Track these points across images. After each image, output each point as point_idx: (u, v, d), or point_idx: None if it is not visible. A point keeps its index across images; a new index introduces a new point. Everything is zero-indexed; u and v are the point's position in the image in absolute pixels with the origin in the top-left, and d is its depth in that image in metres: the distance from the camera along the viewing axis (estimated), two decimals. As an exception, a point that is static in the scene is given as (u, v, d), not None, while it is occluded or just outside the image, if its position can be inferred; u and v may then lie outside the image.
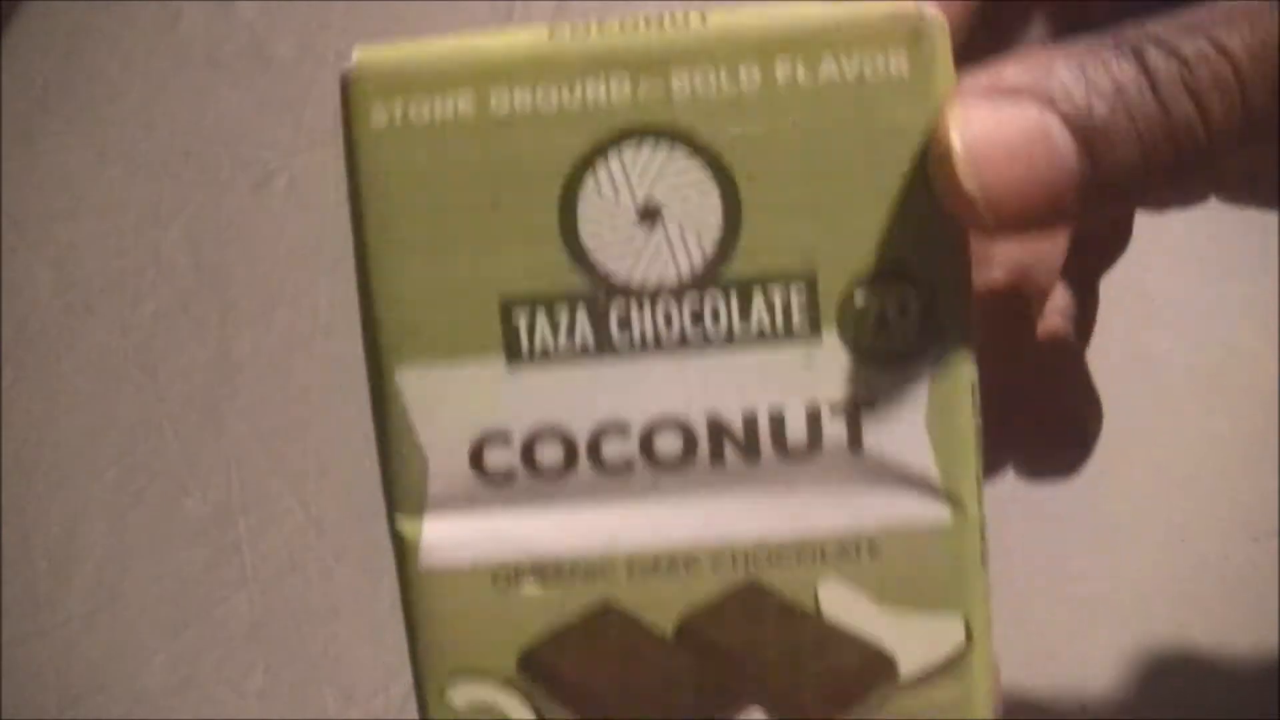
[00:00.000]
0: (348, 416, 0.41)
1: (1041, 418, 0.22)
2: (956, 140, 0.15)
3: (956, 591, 0.17)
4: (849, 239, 0.16)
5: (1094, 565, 0.36)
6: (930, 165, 0.16)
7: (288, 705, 0.38)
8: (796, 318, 0.17)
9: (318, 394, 0.41)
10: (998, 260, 0.21)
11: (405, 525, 0.17)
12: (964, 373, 0.17)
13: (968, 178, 0.15)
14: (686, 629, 0.17)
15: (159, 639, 0.39)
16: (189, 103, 0.46)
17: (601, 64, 0.16)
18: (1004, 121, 0.15)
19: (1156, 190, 0.16)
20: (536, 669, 0.17)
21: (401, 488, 0.17)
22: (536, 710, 0.17)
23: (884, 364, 0.17)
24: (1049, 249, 0.22)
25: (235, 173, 0.45)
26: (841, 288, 0.16)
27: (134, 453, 0.42)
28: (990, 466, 0.20)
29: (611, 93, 0.16)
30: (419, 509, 0.17)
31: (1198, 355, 0.38)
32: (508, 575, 0.17)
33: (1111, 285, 0.41)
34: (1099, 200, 0.16)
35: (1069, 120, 0.15)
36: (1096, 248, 0.24)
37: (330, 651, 0.38)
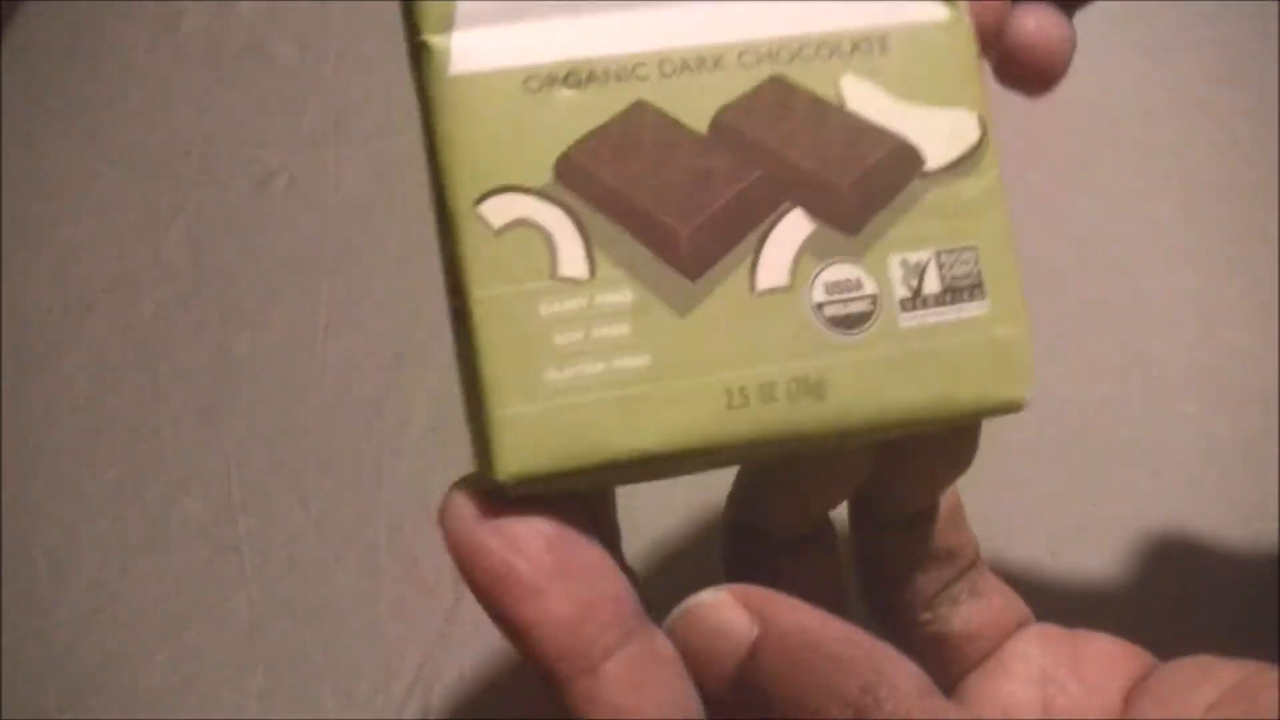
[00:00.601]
0: (348, 416, 0.41)
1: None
2: None
3: (965, 87, 0.18)
4: None
5: (1094, 565, 0.36)
6: None
7: (288, 705, 0.38)
8: None
9: (318, 394, 0.41)
10: None
11: (434, 39, 0.17)
12: None
13: None
14: (720, 124, 0.17)
15: (159, 639, 0.39)
16: (189, 103, 0.46)
17: None
18: None
19: None
20: (573, 175, 0.17)
21: (428, 7, 0.17)
22: (577, 220, 0.17)
23: None
24: None
25: (235, 173, 0.45)
26: None
27: (134, 453, 0.42)
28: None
29: None
30: (447, 23, 0.17)
31: (1198, 355, 0.38)
32: (540, 79, 0.17)
33: (1112, 285, 0.41)
34: None
35: None
36: None
37: (330, 651, 0.38)
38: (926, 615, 0.22)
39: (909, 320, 0.18)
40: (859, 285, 0.18)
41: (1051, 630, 0.22)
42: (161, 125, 0.46)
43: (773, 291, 0.17)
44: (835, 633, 0.17)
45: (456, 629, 0.38)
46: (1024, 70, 0.21)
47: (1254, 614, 0.34)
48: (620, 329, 0.17)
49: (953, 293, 0.18)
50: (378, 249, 0.43)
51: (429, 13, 0.17)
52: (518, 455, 0.16)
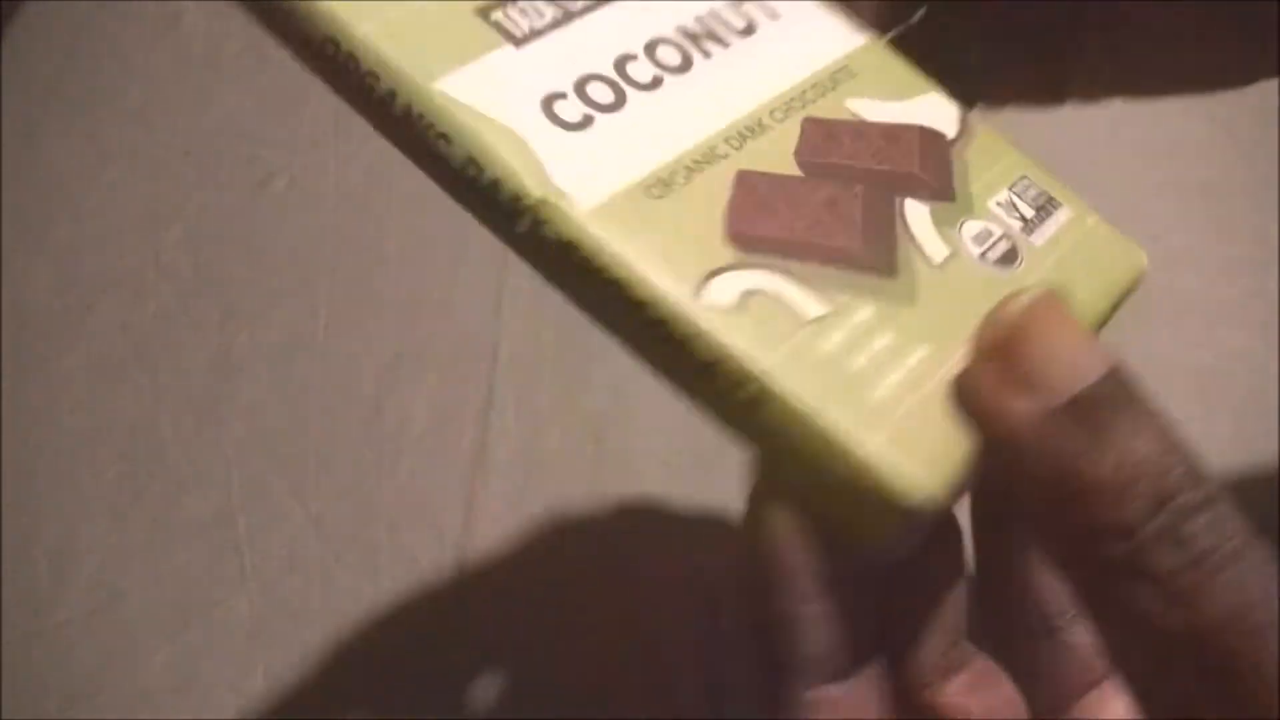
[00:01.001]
0: (348, 416, 0.41)
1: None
2: None
3: (919, 79, 0.22)
4: None
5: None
6: None
7: (288, 705, 0.38)
8: None
9: (318, 394, 0.41)
10: None
11: (546, 195, 0.17)
12: None
13: None
14: (803, 164, 0.20)
15: (159, 639, 0.39)
16: (189, 103, 0.46)
17: None
18: None
19: None
20: (749, 242, 0.18)
21: (517, 172, 0.17)
22: (786, 274, 0.18)
23: None
24: None
25: (235, 173, 0.45)
26: None
27: (134, 453, 0.42)
28: None
29: None
30: (543, 177, 0.17)
31: (1198, 355, 0.38)
32: (654, 185, 0.18)
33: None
34: None
35: None
36: None
37: (330, 651, 0.38)
38: (1058, 623, 0.20)
39: (1038, 238, 0.21)
40: (990, 232, 0.20)
41: None
42: (161, 125, 0.46)
43: (947, 260, 0.19)
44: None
45: (456, 628, 0.38)
46: None
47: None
48: (887, 337, 0.17)
49: (1041, 210, 0.21)
50: (378, 249, 0.43)
51: (525, 176, 0.17)
52: (918, 475, 0.16)
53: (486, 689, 0.37)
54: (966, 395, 0.16)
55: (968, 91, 0.26)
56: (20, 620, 0.40)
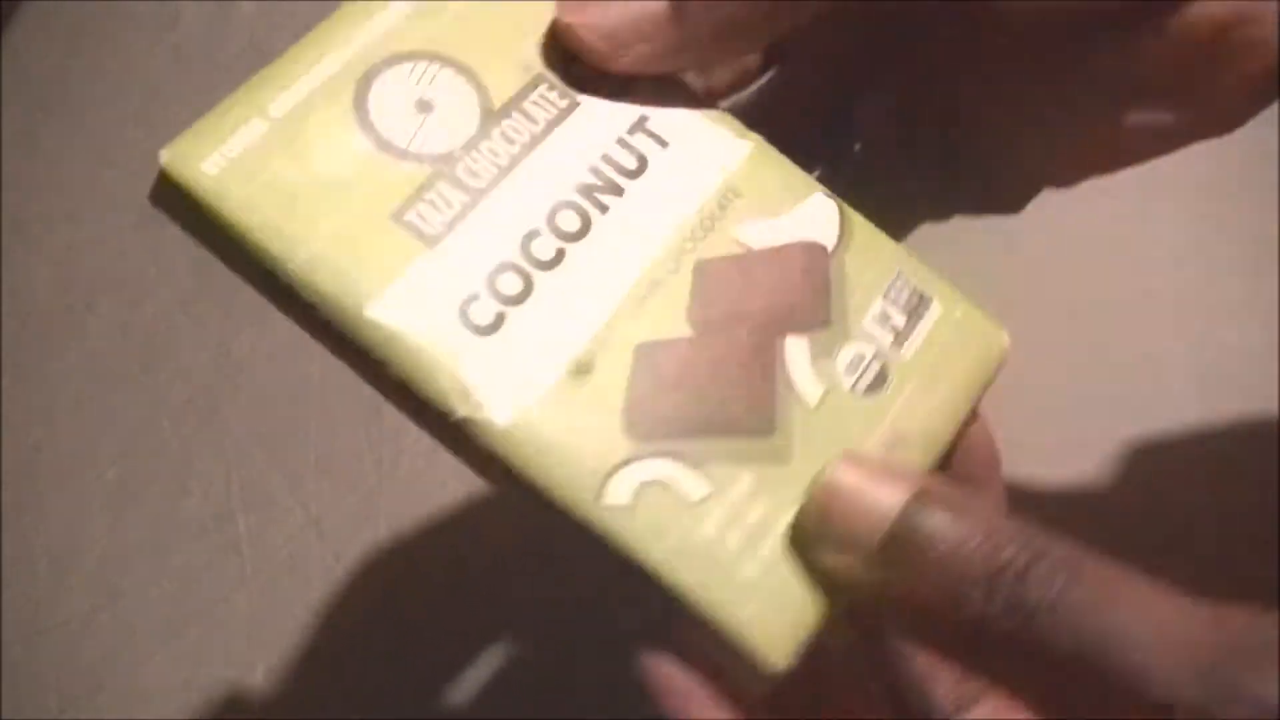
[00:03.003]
0: (348, 416, 0.41)
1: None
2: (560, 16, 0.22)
3: (801, 181, 0.23)
4: (545, 42, 0.22)
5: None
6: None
7: (288, 705, 0.38)
8: (557, 100, 0.22)
9: (318, 394, 0.41)
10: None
11: (467, 412, 0.19)
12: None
13: (577, 29, 0.22)
14: (694, 323, 0.21)
15: (159, 639, 0.39)
16: (189, 103, 0.46)
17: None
18: None
19: (736, 40, 0.22)
20: (641, 428, 0.20)
21: (444, 390, 0.19)
22: (673, 456, 0.20)
23: (626, 94, 0.22)
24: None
25: (235, 173, 0.45)
26: (562, 69, 0.22)
27: (134, 453, 0.42)
28: None
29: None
30: (466, 394, 0.19)
31: (1198, 355, 0.38)
32: (560, 384, 0.20)
33: (1113, 284, 0.41)
34: (679, 38, 0.21)
35: None
36: None
37: (330, 651, 0.38)
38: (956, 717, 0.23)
39: (908, 350, 0.22)
40: (863, 356, 0.22)
41: None
42: (161, 125, 0.46)
43: (821, 400, 0.21)
44: (974, 498, 0.19)
45: (456, 628, 0.38)
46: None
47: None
48: (761, 507, 0.20)
49: (912, 313, 0.22)
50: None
51: (451, 393, 0.19)
52: (777, 642, 0.19)
53: (487, 688, 0.37)
54: (807, 562, 0.19)
55: (913, 217, 0.28)
56: (20, 620, 0.40)
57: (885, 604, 0.19)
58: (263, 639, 0.39)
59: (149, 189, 0.21)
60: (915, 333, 0.22)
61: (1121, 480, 0.37)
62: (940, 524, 0.18)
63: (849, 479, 0.19)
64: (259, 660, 0.38)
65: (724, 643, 0.19)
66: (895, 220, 0.24)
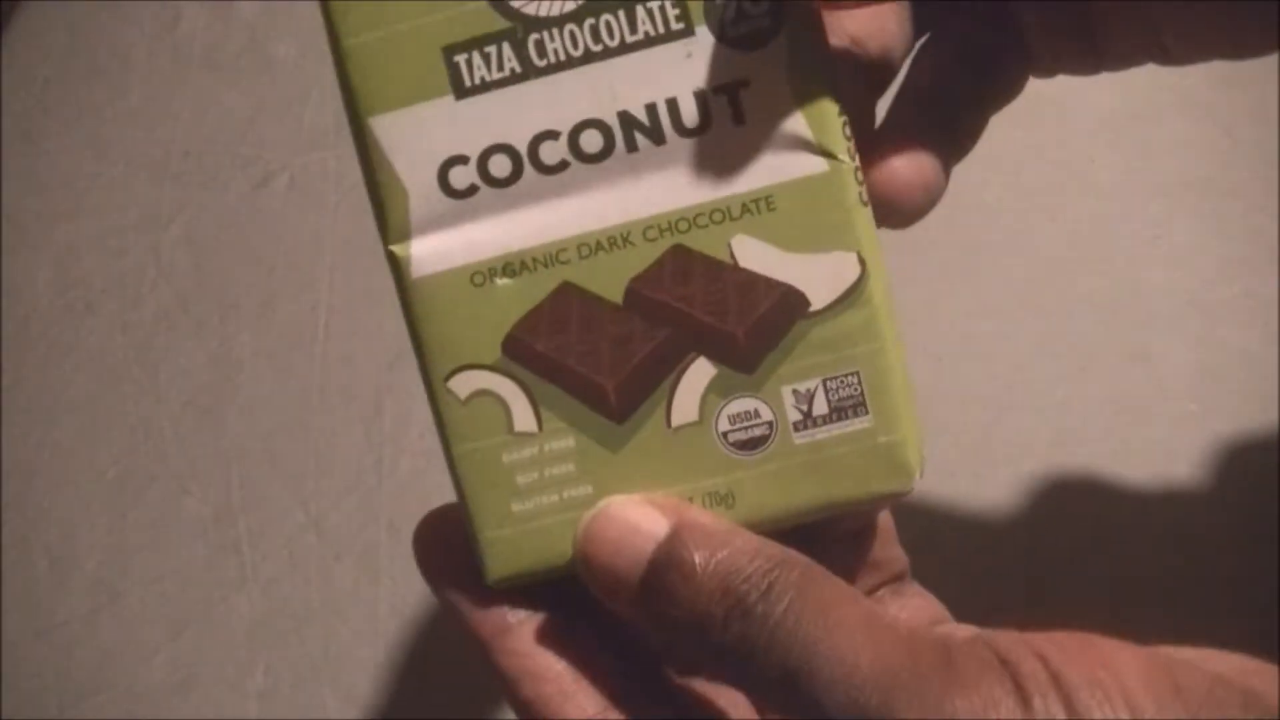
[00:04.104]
0: (348, 416, 0.41)
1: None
2: None
3: (845, 231, 0.21)
4: None
5: (1094, 564, 0.36)
6: None
7: (288, 705, 0.38)
8: (673, 20, 0.21)
9: (318, 394, 0.41)
10: (832, 29, 0.23)
11: (397, 249, 0.21)
12: (817, 46, 0.21)
13: None
14: (632, 293, 0.21)
15: (159, 639, 0.39)
16: (189, 103, 0.46)
17: None
18: None
19: None
20: (516, 349, 0.21)
21: (391, 220, 0.21)
22: (524, 386, 0.21)
23: (749, 47, 0.21)
24: (881, 23, 0.24)
25: (235, 173, 0.45)
26: None
27: (134, 453, 0.42)
28: None
29: None
30: (406, 234, 0.21)
31: (1198, 355, 0.38)
32: (482, 273, 0.21)
33: (1112, 285, 0.41)
34: None
35: None
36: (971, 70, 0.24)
37: (330, 651, 0.38)
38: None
39: (802, 438, 0.21)
40: (757, 415, 0.21)
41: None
42: (161, 125, 0.46)
43: (685, 426, 0.21)
44: (742, 533, 0.20)
45: (456, 629, 0.38)
46: (881, 205, 0.23)
47: (1254, 613, 0.34)
48: (567, 467, 0.21)
49: (838, 412, 0.21)
50: (377, 249, 0.43)
51: (391, 225, 0.21)
52: (499, 564, 0.22)
53: (487, 688, 0.37)
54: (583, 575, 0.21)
55: (1007, 54, 0.25)
56: (20, 620, 0.40)
57: (642, 622, 0.20)
58: (263, 639, 0.39)
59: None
60: (824, 429, 0.21)
61: (1120, 479, 0.37)
62: (694, 548, 0.20)
63: (604, 524, 0.21)
64: (259, 660, 0.38)
65: (470, 544, 0.22)
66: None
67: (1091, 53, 0.24)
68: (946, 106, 0.24)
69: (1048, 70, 0.25)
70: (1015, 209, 0.40)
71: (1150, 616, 0.35)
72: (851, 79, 0.23)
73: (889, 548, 0.25)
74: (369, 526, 0.39)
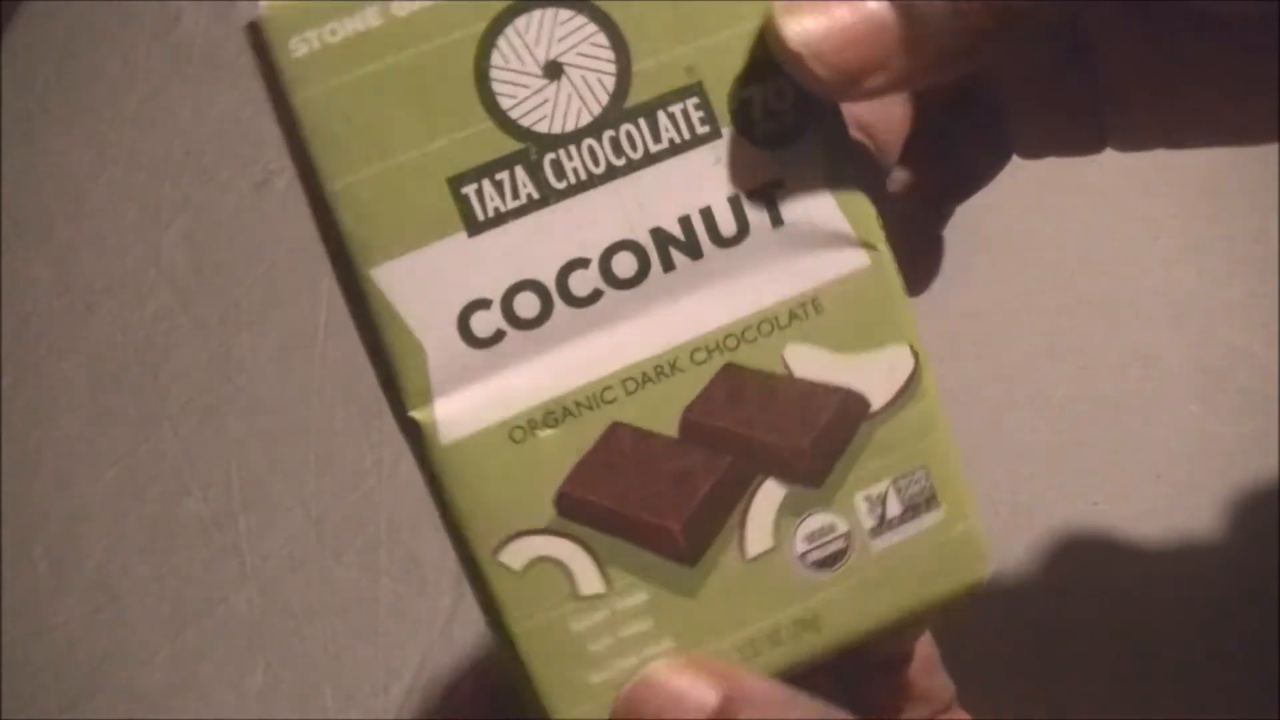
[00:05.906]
0: (348, 416, 0.41)
1: None
2: (790, 40, 0.18)
3: (895, 323, 0.20)
4: (723, 49, 0.19)
5: (1093, 565, 0.36)
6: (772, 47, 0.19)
7: (288, 705, 0.38)
8: (697, 123, 0.19)
9: (318, 394, 0.41)
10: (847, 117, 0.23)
11: (419, 415, 0.19)
12: (842, 136, 0.20)
13: (807, 60, 0.18)
14: (687, 423, 0.19)
15: (159, 639, 0.39)
16: (189, 103, 0.46)
17: None
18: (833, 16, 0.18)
19: (976, 52, 0.18)
20: (571, 506, 0.19)
21: (407, 382, 0.19)
22: (584, 545, 0.19)
23: (778, 145, 0.19)
24: (888, 108, 0.24)
25: (235, 173, 0.45)
26: (728, 90, 0.19)
27: (134, 453, 0.42)
28: None
29: None
30: (427, 396, 0.19)
31: (1198, 355, 0.38)
32: (522, 427, 0.19)
33: (1112, 285, 0.41)
34: (920, 57, 0.18)
35: None
36: (952, 172, 0.24)
37: (330, 651, 0.38)
38: None
39: (880, 544, 0.20)
40: (832, 529, 0.20)
41: None
42: (161, 125, 0.46)
43: (761, 555, 0.20)
44: (803, 700, 0.18)
45: (456, 629, 0.38)
46: None
47: (1254, 613, 0.34)
48: (643, 625, 0.19)
49: (911, 510, 0.20)
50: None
51: (408, 389, 0.19)
52: None
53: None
54: None
55: (1003, 138, 0.25)
56: (20, 620, 0.40)
57: None
58: (263, 639, 0.39)
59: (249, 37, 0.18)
60: (900, 531, 0.20)
61: (1121, 481, 0.37)
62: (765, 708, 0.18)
63: (648, 691, 0.19)
64: (259, 660, 0.38)
65: None
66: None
67: (1092, 140, 0.25)
68: (921, 208, 0.24)
69: (1034, 153, 0.25)
70: (1015, 209, 0.40)
71: (1148, 616, 0.35)
72: (869, 166, 0.22)
73: (935, 676, 0.23)
74: (369, 526, 0.39)
